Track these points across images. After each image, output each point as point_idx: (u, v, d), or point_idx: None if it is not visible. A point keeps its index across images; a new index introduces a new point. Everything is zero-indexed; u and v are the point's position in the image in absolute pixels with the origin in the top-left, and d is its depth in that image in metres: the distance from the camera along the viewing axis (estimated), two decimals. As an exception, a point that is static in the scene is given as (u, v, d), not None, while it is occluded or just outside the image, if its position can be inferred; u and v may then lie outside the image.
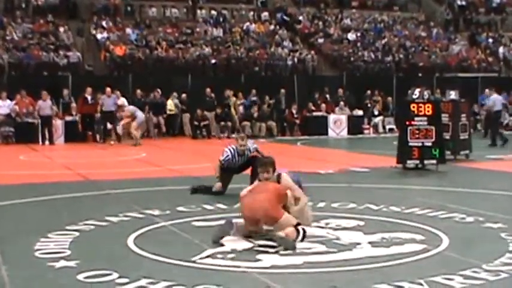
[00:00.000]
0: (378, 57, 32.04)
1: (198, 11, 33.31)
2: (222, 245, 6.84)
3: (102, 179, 12.88)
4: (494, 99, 20.90)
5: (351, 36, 33.38)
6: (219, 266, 6.08)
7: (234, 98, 26.41)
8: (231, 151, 10.47)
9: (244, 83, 27.56)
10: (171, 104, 25.54)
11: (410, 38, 34.61)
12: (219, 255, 6.41)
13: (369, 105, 28.12)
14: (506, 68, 34.19)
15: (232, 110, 26.08)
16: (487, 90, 25.35)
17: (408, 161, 13.86)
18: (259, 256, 6.38)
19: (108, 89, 23.29)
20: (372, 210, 9.02)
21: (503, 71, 33.81)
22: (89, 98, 23.40)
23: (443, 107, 15.46)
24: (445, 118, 15.32)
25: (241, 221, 7.15)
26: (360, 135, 26.54)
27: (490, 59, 34.07)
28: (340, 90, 28.34)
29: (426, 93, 14.20)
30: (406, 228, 7.66)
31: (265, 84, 27.58)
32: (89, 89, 23.39)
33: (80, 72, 27.05)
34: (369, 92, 28.48)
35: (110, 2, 32.08)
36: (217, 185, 10.41)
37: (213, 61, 28.69)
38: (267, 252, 6.55)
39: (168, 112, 25.46)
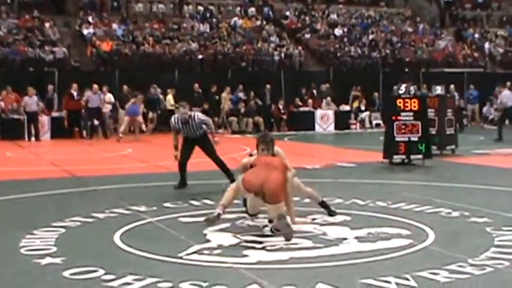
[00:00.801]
0: (364, 52, 32.09)
1: (185, 7, 33.21)
2: (209, 240, 6.84)
3: (88, 175, 12.84)
4: (507, 96, 20.50)
5: (338, 31, 33.42)
6: (206, 261, 6.08)
7: (227, 95, 26.36)
8: (174, 119, 10.94)
9: (231, 79, 27.53)
10: (170, 100, 25.42)
11: (397, 33, 34.69)
12: (205, 251, 6.41)
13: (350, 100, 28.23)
14: (491, 64, 34.36)
15: (225, 105, 26.11)
16: (452, 86, 25.36)
17: (394, 156, 13.91)
18: (245, 252, 6.39)
19: (95, 86, 23.07)
20: (358, 205, 9.05)
21: (488, 66, 33.98)
22: (75, 94, 23.27)
23: (430, 102, 15.51)
24: (431, 113, 15.38)
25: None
26: (347, 131, 26.59)
27: (476, 55, 34.22)
28: (323, 86, 28.34)
29: (412, 89, 14.25)
30: (392, 223, 7.69)
31: (252, 80, 27.56)
32: (75, 85, 23.26)
33: (66, 68, 26.88)
34: (354, 87, 28.57)
35: (96, -3, 31.93)
36: (175, 154, 11.08)
37: (200, 57, 28.63)
38: (253, 248, 6.56)
39: (168, 108, 25.33)
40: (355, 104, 28.17)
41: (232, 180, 9.83)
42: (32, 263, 6.11)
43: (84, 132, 23.34)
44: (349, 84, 28.64)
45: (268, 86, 27.26)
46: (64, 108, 23.54)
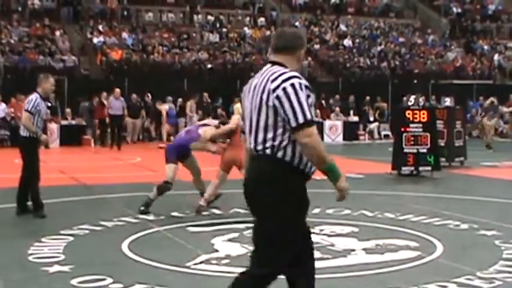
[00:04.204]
0: (373, 63, 32.09)
1: (195, 16, 33.32)
2: (217, 250, 6.84)
3: (96, 183, 12.86)
4: None
5: (347, 42, 33.44)
6: (213, 271, 6.08)
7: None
8: (37, 96, 9.17)
9: (240, 89, 27.51)
10: (238, 108, 25.48)
11: (406, 44, 34.69)
12: (213, 261, 6.41)
13: (366, 110, 28.19)
14: (501, 76, 34.28)
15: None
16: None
17: (403, 168, 13.87)
18: (253, 262, 6.37)
19: (117, 90, 22.38)
20: (366, 216, 9.03)
21: (498, 78, 33.90)
22: (105, 102, 22.99)
23: (438, 113, 15.49)
24: (440, 125, 15.36)
25: None
26: (355, 141, 26.56)
27: (485, 67, 34.16)
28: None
29: (421, 100, 14.23)
30: (400, 235, 7.67)
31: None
32: (105, 94, 22.94)
33: (76, 76, 27.00)
34: (368, 98, 28.54)
35: (107, 6, 32.09)
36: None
37: (209, 66, 28.70)
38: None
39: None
40: (377, 114, 28.04)
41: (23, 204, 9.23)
42: (40, 271, 6.12)
43: (93, 141, 23.30)
44: (358, 96, 28.60)
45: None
46: (97, 117, 23.07)
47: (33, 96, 9.18)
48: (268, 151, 3.73)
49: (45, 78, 9.37)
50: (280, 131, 3.71)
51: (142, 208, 9.28)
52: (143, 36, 30.28)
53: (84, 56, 28.92)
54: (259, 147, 3.77)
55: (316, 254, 6.70)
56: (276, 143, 3.72)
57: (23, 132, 9.24)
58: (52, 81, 9.41)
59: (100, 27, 29.85)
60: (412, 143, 13.68)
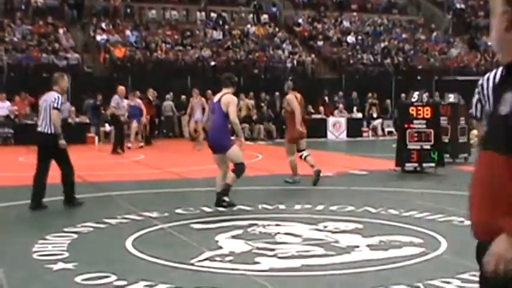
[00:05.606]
0: (377, 60, 32.07)
1: (198, 13, 33.32)
2: (221, 247, 6.84)
3: (100, 180, 12.87)
4: None
5: (350, 39, 33.42)
6: (218, 268, 6.08)
7: (247, 101, 26.37)
8: (59, 94, 9.51)
9: (244, 86, 27.53)
10: (248, 105, 25.59)
11: (410, 41, 34.65)
12: (217, 258, 6.41)
13: (366, 108, 28.25)
14: (505, 72, 34.19)
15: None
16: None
17: (407, 164, 13.85)
18: (257, 259, 6.38)
19: (121, 88, 20.30)
20: (370, 213, 9.02)
21: (502, 74, 33.81)
22: (152, 99, 22.65)
23: (442, 110, 15.47)
24: (443, 121, 15.34)
25: None
26: (359, 138, 26.54)
27: (489, 63, 34.08)
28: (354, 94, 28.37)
29: (425, 96, 14.22)
30: (404, 232, 7.66)
31: (264, 87, 27.57)
32: (151, 90, 22.69)
33: (80, 73, 27.03)
34: (370, 94, 28.57)
35: (110, 4, 32.10)
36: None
37: (213, 63, 28.70)
38: (265, 255, 6.55)
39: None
40: (372, 111, 28.16)
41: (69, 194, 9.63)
42: (44, 268, 6.13)
43: (97, 139, 23.32)
44: (361, 92, 28.61)
45: (277, 93, 27.25)
46: (146, 114, 21.87)
47: (57, 94, 9.50)
48: None
49: (61, 76, 9.78)
50: None
51: (224, 204, 9.28)
52: (146, 34, 30.30)
53: (88, 53, 28.96)
54: None
55: (320, 251, 6.76)
56: None
57: (50, 130, 9.46)
58: (67, 79, 9.92)
59: (103, 24, 29.87)
60: (416, 139, 13.66)
